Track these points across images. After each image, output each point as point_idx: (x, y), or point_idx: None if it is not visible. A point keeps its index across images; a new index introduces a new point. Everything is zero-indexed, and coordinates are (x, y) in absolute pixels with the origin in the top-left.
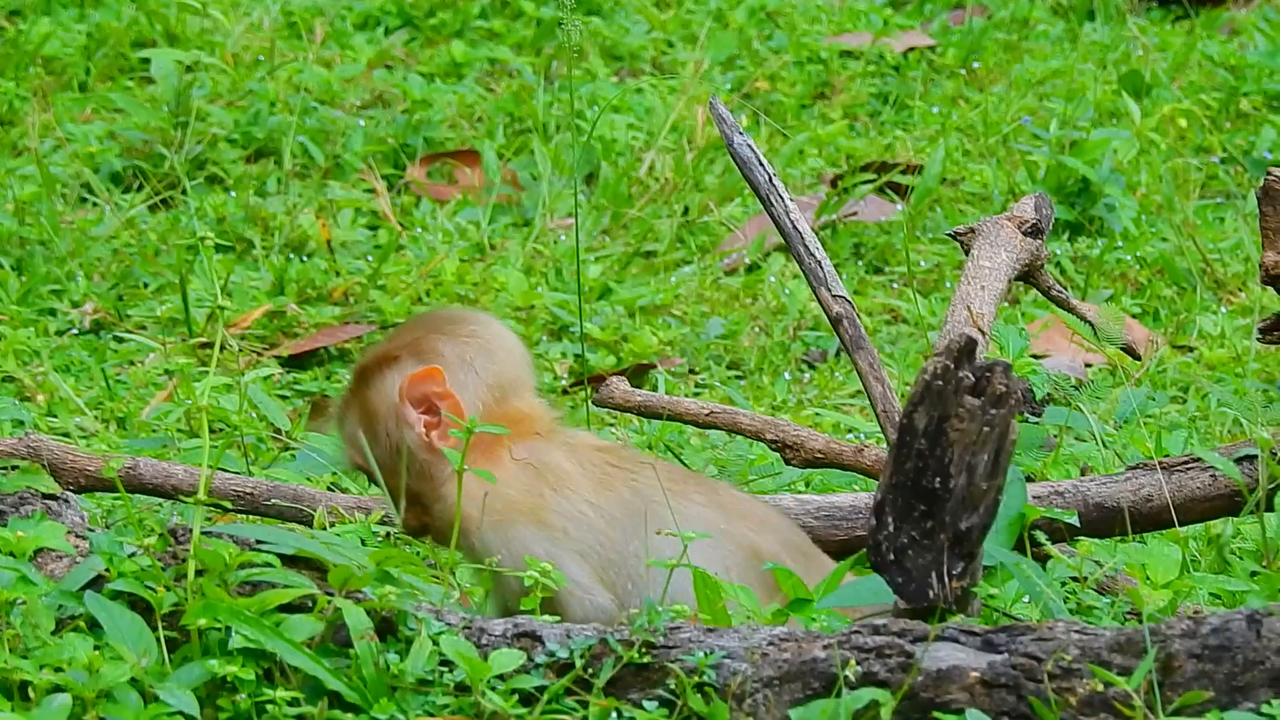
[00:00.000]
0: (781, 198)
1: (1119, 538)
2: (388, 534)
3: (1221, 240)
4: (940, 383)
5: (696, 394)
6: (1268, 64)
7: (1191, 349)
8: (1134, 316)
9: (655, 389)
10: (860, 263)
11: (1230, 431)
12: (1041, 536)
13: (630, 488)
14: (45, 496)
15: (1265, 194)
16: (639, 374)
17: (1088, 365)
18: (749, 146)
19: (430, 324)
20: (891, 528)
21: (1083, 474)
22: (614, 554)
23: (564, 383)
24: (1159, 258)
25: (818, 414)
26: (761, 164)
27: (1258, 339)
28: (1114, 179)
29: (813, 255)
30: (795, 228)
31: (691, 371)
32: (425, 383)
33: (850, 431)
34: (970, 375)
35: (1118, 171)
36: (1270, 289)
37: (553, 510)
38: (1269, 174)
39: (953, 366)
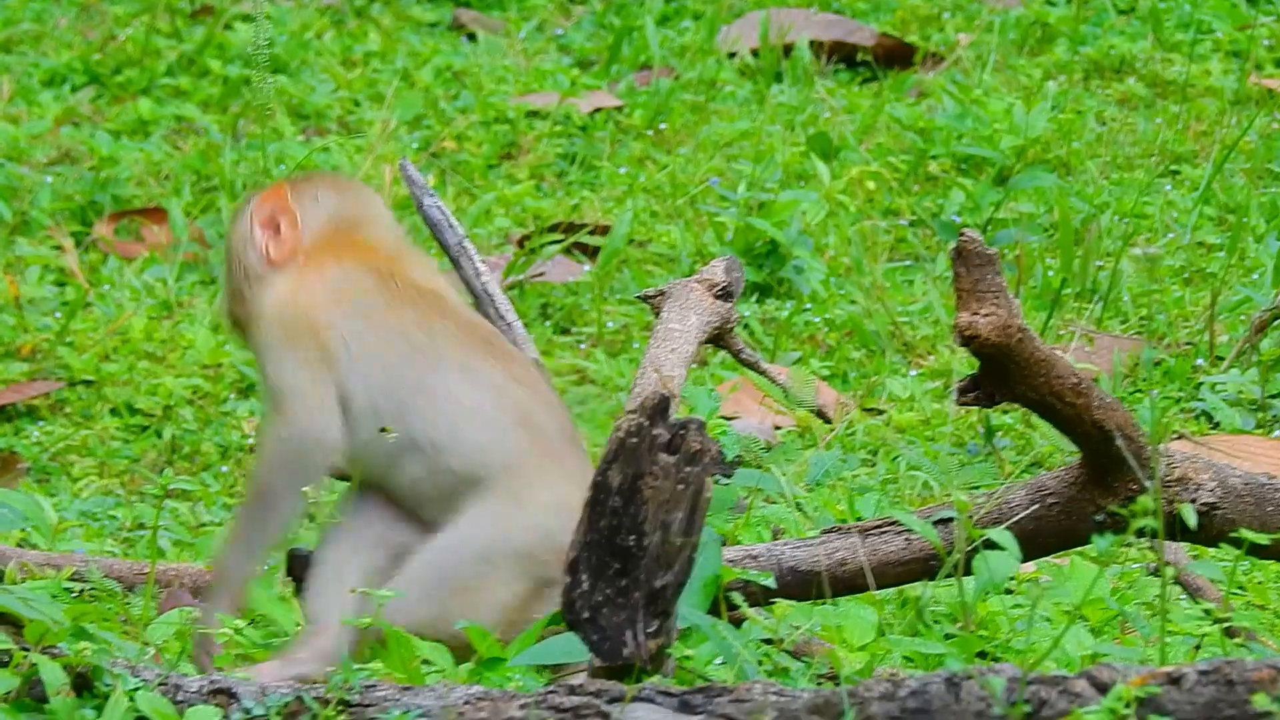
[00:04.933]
0: (471, 259)
1: (814, 601)
2: (80, 591)
3: (910, 303)
4: (634, 440)
5: None
6: (956, 127)
7: (881, 411)
8: (823, 379)
9: None
10: (548, 323)
11: (920, 494)
12: (737, 598)
13: (425, 331)
14: None
15: (958, 255)
16: None
17: (777, 428)
18: (439, 208)
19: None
20: (586, 585)
21: (775, 536)
22: (392, 386)
23: (251, 441)
24: (848, 320)
25: None
26: (451, 225)
27: (955, 400)
28: (802, 241)
29: (503, 318)
30: (485, 290)
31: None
32: (271, 201)
33: None
34: (665, 432)
35: (806, 233)
36: (963, 350)
37: (335, 330)
38: (962, 235)
39: (647, 423)
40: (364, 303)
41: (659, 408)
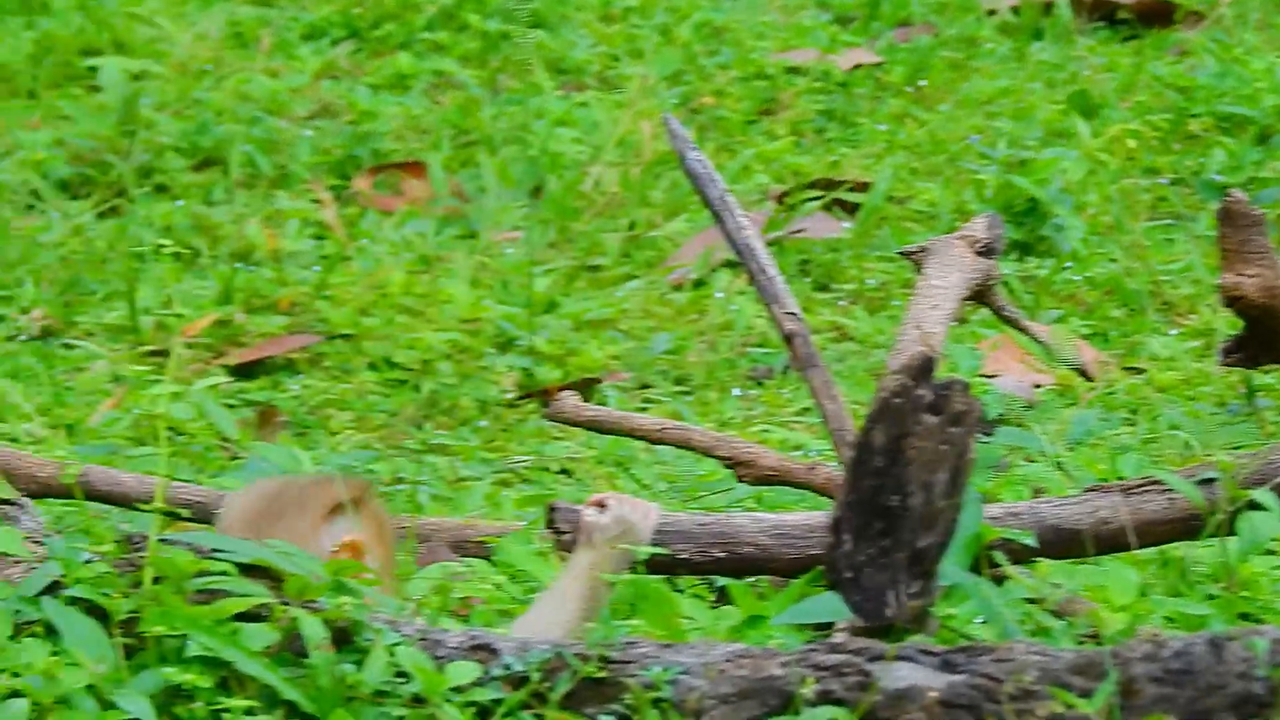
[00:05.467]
0: (733, 213)
1: (1076, 560)
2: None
3: (1171, 262)
4: (899, 400)
5: (644, 409)
6: (1217, 85)
7: (1141, 370)
8: (1084, 338)
9: (603, 404)
10: (807, 280)
11: (1181, 454)
12: (999, 557)
13: None
14: (1, 502)
15: (1224, 215)
16: (585, 388)
17: (1037, 386)
18: (701, 162)
19: None
20: (848, 545)
21: (1036, 496)
22: None
23: (510, 396)
24: (1108, 278)
25: (766, 430)
26: (713, 180)
27: (1219, 361)
28: (1062, 199)
29: (764, 272)
30: (748, 244)
31: (641, 387)
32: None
33: (798, 448)
34: (929, 393)
35: (1066, 191)
36: (1226, 311)
37: None
38: (1227, 195)
39: (911, 384)
40: None
41: (923, 368)
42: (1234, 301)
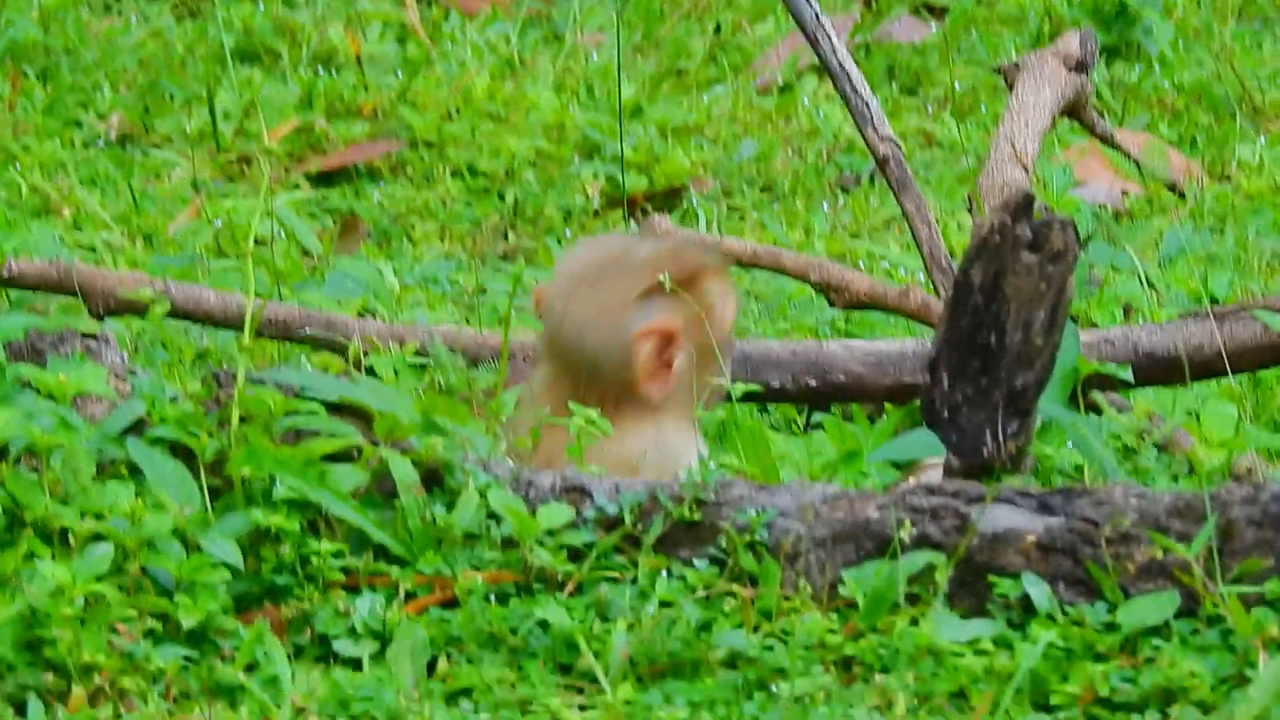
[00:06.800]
0: (829, 35)
1: (1173, 387)
2: (423, 365)
3: (1260, 67)
4: (998, 238)
5: (730, 218)
6: None
7: (1229, 178)
8: (1171, 144)
9: (688, 212)
10: (894, 84)
11: (1269, 264)
12: (1097, 397)
13: None
14: (84, 336)
15: None
16: (671, 196)
17: (1124, 193)
18: None
19: None
20: (946, 385)
21: (1125, 315)
22: None
23: (596, 205)
24: (1196, 84)
25: (853, 242)
26: (809, 2)
27: None
28: (1152, 1)
29: (859, 94)
30: (842, 66)
31: (727, 194)
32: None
33: (883, 260)
34: (1028, 231)
35: None
36: None
37: None
38: None
39: (1010, 222)
40: None
41: (1022, 205)
42: None
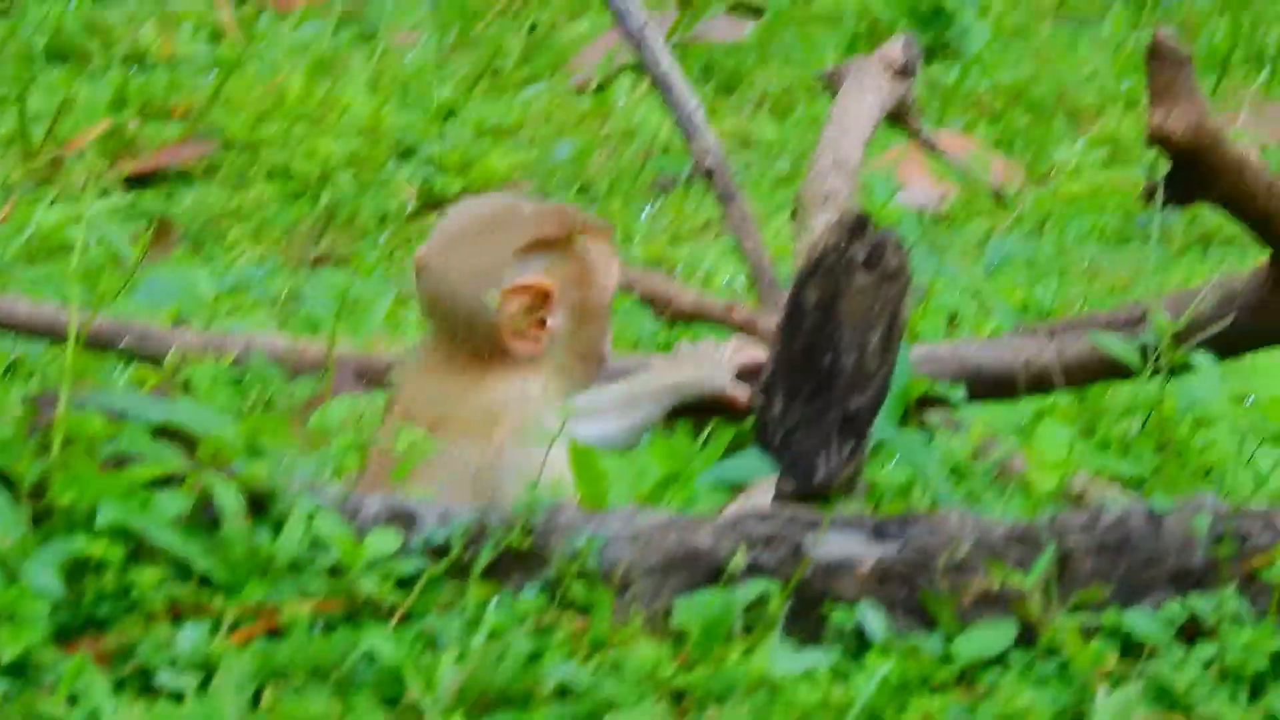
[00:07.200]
0: (654, 42)
1: (1002, 402)
2: (241, 378)
3: (1078, 67)
4: (831, 258)
5: None
6: None
7: (1048, 180)
8: (990, 146)
9: None
10: (710, 85)
11: (1088, 268)
12: (931, 417)
13: None
14: None
15: (1153, 54)
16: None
17: (943, 196)
18: None
19: None
20: (779, 407)
21: (950, 324)
22: None
23: (412, 207)
24: (1014, 85)
25: (673, 247)
26: (632, 12)
27: (1144, 199)
28: (968, 1)
29: (684, 103)
30: (665, 77)
31: (542, 196)
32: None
33: (702, 266)
34: (862, 250)
35: None
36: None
37: None
38: (1157, 34)
39: (844, 242)
40: None
41: (857, 225)
42: (1162, 141)
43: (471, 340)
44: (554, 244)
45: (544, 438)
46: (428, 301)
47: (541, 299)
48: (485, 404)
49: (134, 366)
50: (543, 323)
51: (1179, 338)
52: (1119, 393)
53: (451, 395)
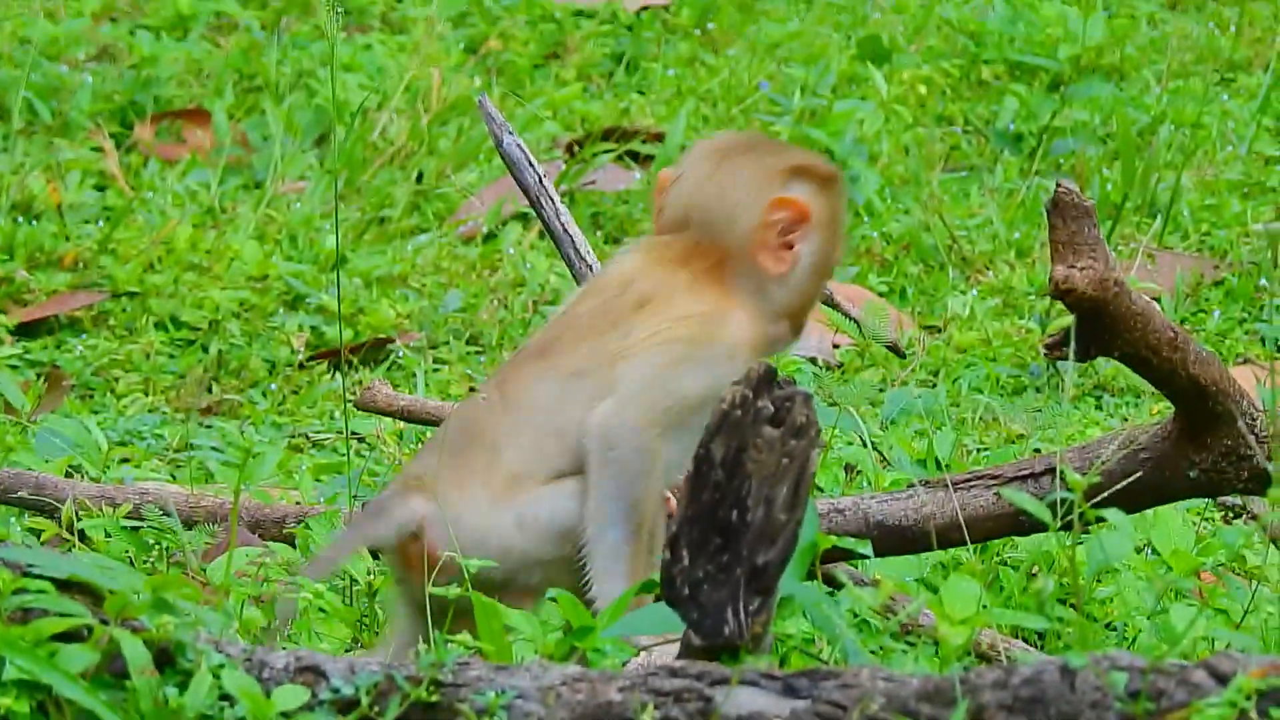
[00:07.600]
0: (552, 199)
1: (912, 555)
2: (135, 528)
3: (968, 217)
4: (739, 412)
5: (436, 370)
6: (1008, 31)
7: (940, 329)
8: (880, 294)
9: (393, 364)
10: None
11: (982, 418)
12: (838, 573)
13: None
14: None
15: (1054, 206)
16: (377, 348)
17: (836, 346)
18: (519, 146)
19: None
20: (686, 561)
21: (849, 479)
22: None
23: (301, 356)
24: (905, 233)
25: None
26: (531, 164)
27: (1044, 355)
28: (858, 150)
29: (584, 259)
30: (565, 230)
31: (431, 347)
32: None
33: None
34: (770, 405)
35: (861, 142)
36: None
37: None
38: (1059, 186)
39: (751, 395)
40: None
41: (764, 379)
42: (1065, 295)
43: (719, 244)
44: (819, 178)
45: (711, 362)
46: (677, 206)
47: (799, 219)
48: (689, 307)
49: (26, 517)
50: (791, 245)
51: (1088, 493)
52: (1019, 546)
53: (667, 284)
